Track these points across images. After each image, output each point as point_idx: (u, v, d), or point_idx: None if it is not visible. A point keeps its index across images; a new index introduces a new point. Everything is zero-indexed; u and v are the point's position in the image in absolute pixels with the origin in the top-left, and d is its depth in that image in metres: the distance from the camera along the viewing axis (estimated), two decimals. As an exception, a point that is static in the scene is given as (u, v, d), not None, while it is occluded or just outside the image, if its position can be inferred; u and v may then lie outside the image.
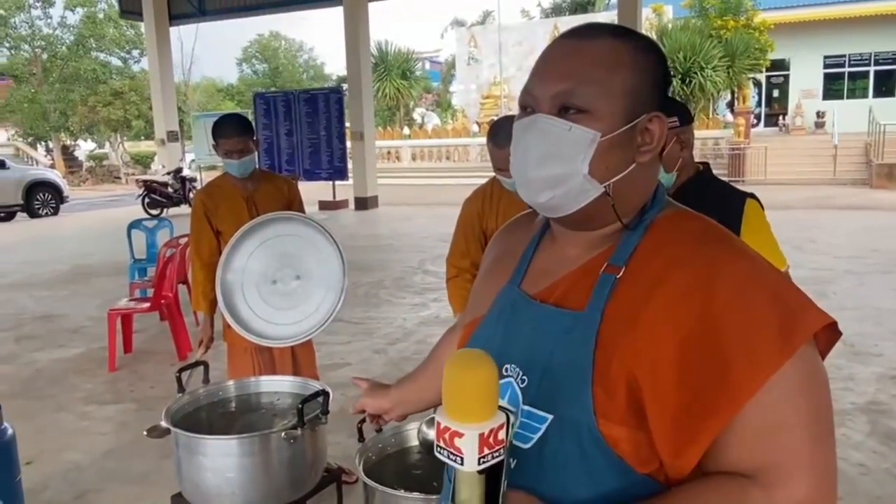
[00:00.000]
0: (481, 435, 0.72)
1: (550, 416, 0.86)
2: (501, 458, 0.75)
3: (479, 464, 0.73)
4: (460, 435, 0.72)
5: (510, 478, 0.85)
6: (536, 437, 0.87)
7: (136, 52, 32.02)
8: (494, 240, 1.18)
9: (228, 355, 3.18)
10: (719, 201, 1.94)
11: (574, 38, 0.91)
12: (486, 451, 0.73)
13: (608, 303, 0.86)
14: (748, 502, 0.76)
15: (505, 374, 0.92)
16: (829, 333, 0.82)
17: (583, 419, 0.83)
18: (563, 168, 0.88)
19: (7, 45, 30.44)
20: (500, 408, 0.75)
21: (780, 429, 0.77)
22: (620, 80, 0.88)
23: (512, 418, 0.76)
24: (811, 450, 0.77)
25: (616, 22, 14.35)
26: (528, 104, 0.92)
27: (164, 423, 1.99)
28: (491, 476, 0.76)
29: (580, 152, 0.87)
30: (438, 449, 0.75)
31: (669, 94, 0.96)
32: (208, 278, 3.01)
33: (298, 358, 3.19)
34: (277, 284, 2.85)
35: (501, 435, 0.74)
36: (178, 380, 2.19)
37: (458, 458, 0.73)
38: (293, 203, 3.23)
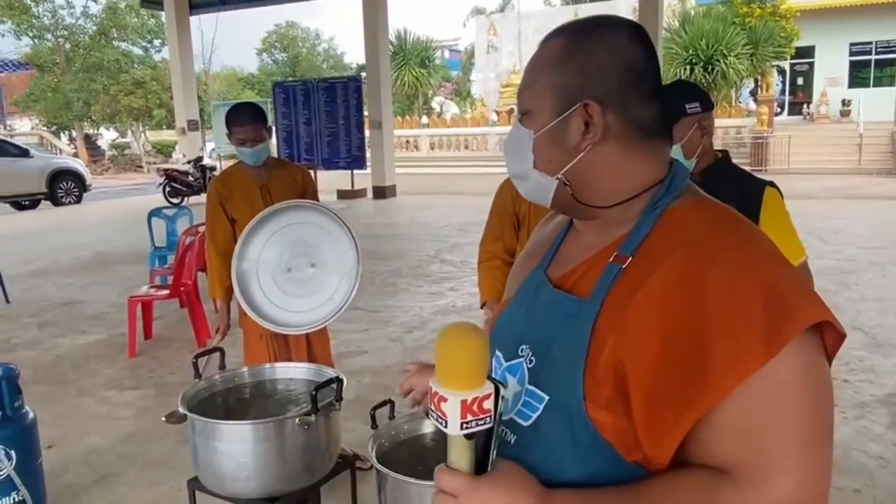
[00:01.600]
0: (464, 402, 0.77)
1: (547, 397, 0.89)
2: (488, 426, 0.79)
3: (461, 428, 0.77)
4: (445, 399, 0.78)
5: (510, 452, 0.89)
6: (535, 415, 0.90)
7: (157, 42, 32.22)
8: (538, 226, 1.20)
9: (244, 342, 3.20)
10: (738, 189, 1.92)
11: (540, 46, 0.97)
12: (470, 417, 0.77)
13: (610, 292, 0.87)
14: (719, 497, 0.76)
15: (519, 354, 0.95)
16: (832, 333, 0.80)
17: (572, 402, 0.85)
18: (521, 165, 0.97)
19: (31, 34, 30.77)
20: (493, 380, 0.79)
21: (762, 428, 0.75)
22: (546, 78, 0.93)
23: (502, 390, 0.79)
24: (796, 452, 0.75)
25: (637, 9, 14.18)
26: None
27: (180, 409, 2.02)
28: (483, 444, 0.81)
29: (525, 149, 0.95)
30: (430, 411, 0.81)
31: (638, 75, 0.91)
32: (224, 266, 3.03)
33: (313, 345, 3.21)
34: (292, 272, 2.87)
35: (487, 405, 0.78)
36: (195, 366, 2.22)
37: (444, 421, 0.78)
38: (307, 191, 3.24)
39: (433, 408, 0.80)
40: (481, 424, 0.78)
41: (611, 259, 0.90)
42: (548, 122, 0.92)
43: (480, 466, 0.82)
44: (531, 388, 0.92)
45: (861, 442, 3.36)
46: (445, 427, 0.78)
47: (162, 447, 3.56)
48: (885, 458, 3.21)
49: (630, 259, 0.88)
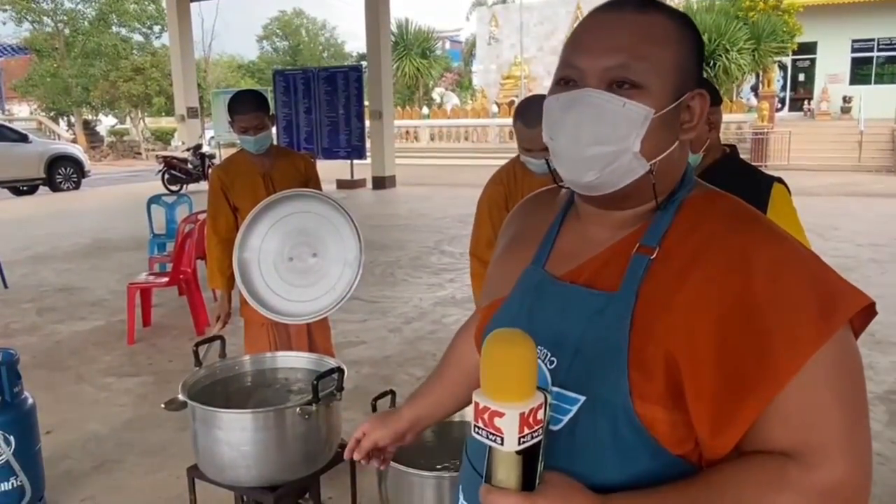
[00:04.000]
0: (522, 415, 0.71)
1: (582, 398, 0.86)
2: (540, 438, 0.74)
3: (519, 444, 0.72)
4: (501, 415, 0.72)
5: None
6: (566, 418, 0.86)
7: (157, 28, 32.05)
8: (511, 218, 1.16)
9: (245, 331, 3.20)
10: (746, 184, 1.90)
11: (620, 12, 0.88)
12: (526, 430, 0.72)
13: (642, 283, 0.85)
14: (787, 480, 0.76)
15: None
16: (863, 313, 0.82)
17: (618, 400, 0.83)
18: (615, 146, 0.85)
19: (29, 19, 30.58)
20: (540, 388, 0.75)
21: (819, 410, 0.77)
22: (671, 56, 0.86)
23: (549, 398, 0.76)
24: (849, 431, 0.78)
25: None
26: (571, 77, 0.88)
27: (181, 397, 2.01)
28: (528, 457, 0.75)
29: (633, 129, 0.85)
30: (477, 429, 0.75)
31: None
32: (225, 254, 3.02)
33: (314, 335, 3.21)
34: (294, 261, 2.86)
35: (541, 415, 0.74)
36: (195, 354, 2.21)
37: (499, 439, 0.72)
38: (310, 180, 3.22)
39: (482, 425, 0.74)
40: (535, 437, 0.74)
41: (634, 250, 0.88)
42: (668, 104, 0.86)
43: (528, 481, 0.76)
44: (557, 389, 0.88)
45: (858, 438, 3.36)
46: (501, 445, 0.73)
47: (161, 434, 3.56)
48: (884, 455, 3.22)
49: (657, 250, 0.87)
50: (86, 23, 31.38)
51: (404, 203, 13.23)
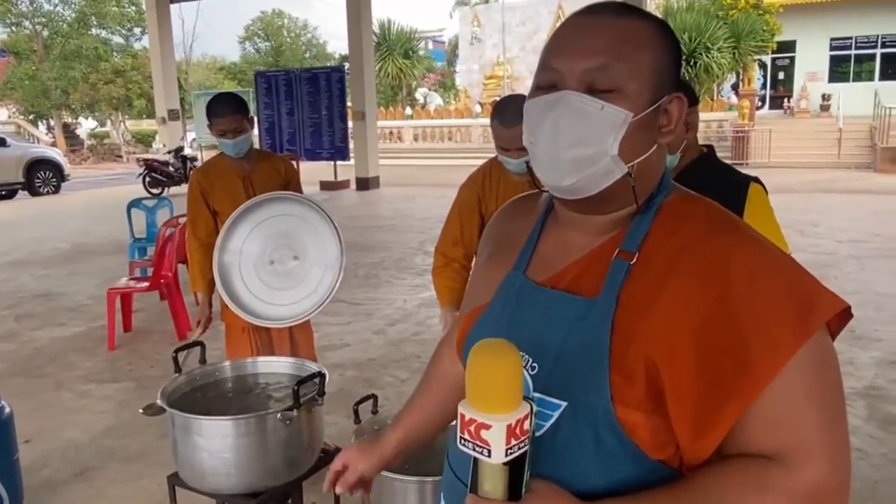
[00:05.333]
0: (509, 426, 0.71)
1: (564, 404, 0.86)
2: (527, 448, 0.74)
3: (506, 455, 0.72)
4: (487, 427, 0.71)
5: None
6: (548, 424, 0.87)
7: (137, 30, 31.76)
8: (492, 224, 1.15)
9: (226, 336, 3.17)
10: (723, 184, 1.91)
11: (599, 15, 0.88)
12: (513, 441, 0.72)
13: (623, 289, 0.86)
14: (769, 483, 0.77)
15: None
16: (840, 316, 0.83)
17: (599, 405, 0.83)
18: (593, 149, 0.86)
19: (8, 21, 30.19)
20: (525, 398, 0.74)
21: (798, 412, 0.78)
22: (649, 60, 0.86)
23: (535, 407, 0.76)
24: (828, 432, 0.78)
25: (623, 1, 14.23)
26: (551, 80, 0.88)
27: (159, 403, 1.99)
28: (513, 466, 0.75)
29: (611, 133, 0.85)
30: (463, 441, 0.74)
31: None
32: (206, 258, 3.00)
33: (296, 338, 3.19)
34: (275, 265, 2.84)
35: (527, 425, 0.73)
36: (175, 360, 2.19)
37: (486, 451, 0.72)
38: (290, 183, 3.20)
39: (468, 437, 0.73)
40: (522, 447, 0.73)
41: (614, 256, 0.88)
42: (646, 107, 0.86)
43: (514, 490, 0.76)
44: (539, 395, 0.88)
45: (839, 434, 3.39)
46: (489, 457, 0.72)
47: (142, 441, 3.52)
48: (863, 450, 3.25)
49: (637, 255, 0.87)
50: (65, 25, 31.04)
51: (388, 204, 13.21)
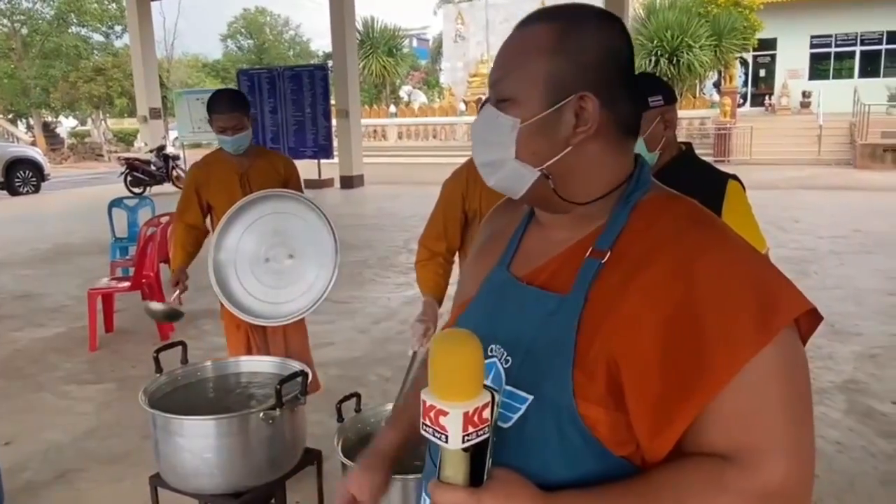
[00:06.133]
0: (466, 413, 0.73)
1: (531, 397, 0.87)
2: (486, 436, 0.76)
3: (463, 442, 0.74)
4: (445, 413, 0.73)
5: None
6: (516, 416, 0.88)
7: (118, 28, 31.45)
8: (486, 221, 1.18)
9: (225, 332, 3.18)
10: (701, 181, 1.93)
11: (519, 26, 0.94)
12: (471, 429, 0.74)
13: (592, 287, 0.87)
14: (724, 483, 0.77)
15: (490, 354, 0.92)
16: (810, 318, 0.83)
17: (562, 401, 0.84)
18: (496, 154, 0.93)
19: (-15, 19, 29.84)
20: (485, 387, 0.76)
21: (758, 412, 0.78)
22: (538, 66, 0.89)
23: (497, 397, 0.77)
24: (789, 433, 0.78)
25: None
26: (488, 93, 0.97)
27: (141, 403, 1.98)
28: (476, 453, 0.77)
29: (506, 138, 0.91)
30: (424, 427, 0.77)
31: (622, 71, 0.92)
32: (188, 236, 3.03)
33: (290, 336, 3.18)
34: (270, 263, 2.84)
35: (486, 414, 0.75)
36: (156, 360, 2.18)
37: (443, 437, 0.74)
38: (289, 181, 3.20)
39: (428, 423, 0.76)
40: (481, 435, 0.75)
41: (587, 254, 0.89)
42: (538, 112, 0.89)
43: (475, 477, 0.78)
44: (510, 388, 0.89)
45: (819, 428, 3.43)
46: (446, 442, 0.74)
47: (124, 442, 3.50)
48: (843, 444, 3.29)
49: (608, 254, 0.88)
50: (44, 22, 30.66)
51: (372, 202, 13.19)
